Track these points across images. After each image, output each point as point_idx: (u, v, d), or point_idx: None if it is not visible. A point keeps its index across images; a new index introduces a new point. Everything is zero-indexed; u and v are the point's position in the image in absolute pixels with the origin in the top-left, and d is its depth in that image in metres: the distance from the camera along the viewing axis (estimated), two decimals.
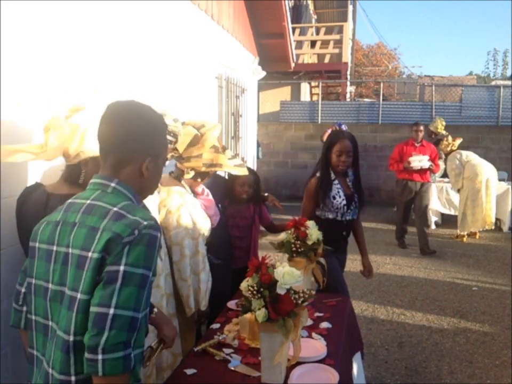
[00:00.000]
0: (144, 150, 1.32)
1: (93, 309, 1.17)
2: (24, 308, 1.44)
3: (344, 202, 3.04)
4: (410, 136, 6.69)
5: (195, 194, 2.70)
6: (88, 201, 1.30)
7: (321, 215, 3.09)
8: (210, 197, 2.82)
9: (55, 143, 1.75)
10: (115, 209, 1.25)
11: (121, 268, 1.18)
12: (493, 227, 7.16)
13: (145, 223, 1.23)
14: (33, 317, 1.37)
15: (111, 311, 1.15)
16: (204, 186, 2.83)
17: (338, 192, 3.05)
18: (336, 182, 3.08)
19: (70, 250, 1.27)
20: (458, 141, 7.02)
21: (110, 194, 1.30)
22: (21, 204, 1.83)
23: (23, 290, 1.46)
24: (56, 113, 1.80)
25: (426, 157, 6.36)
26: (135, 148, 1.31)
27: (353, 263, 5.81)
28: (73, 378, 1.24)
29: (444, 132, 7.45)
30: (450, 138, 7.04)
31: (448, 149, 7.02)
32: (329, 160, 3.05)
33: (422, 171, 6.37)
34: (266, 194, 3.56)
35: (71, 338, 1.22)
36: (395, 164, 6.55)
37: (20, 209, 1.83)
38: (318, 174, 3.11)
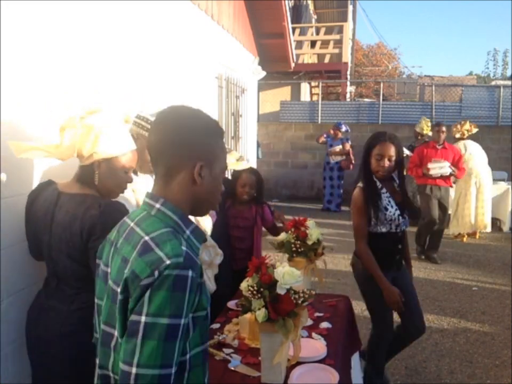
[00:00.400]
0: (193, 155, 1.18)
1: (120, 364, 1.05)
2: None
3: (398, 212, 2.69)
4: (432, 138, 6.14)
5: None
6: (132, 224, 1.19)
7: (371, 230, 2.71)
8: None
9: (67, 142, 1.75)
10: (146, 238, 1.11)
11: (142, 318, 1.02)
12: (488, 229, 7.08)
13: (168, 262, 1.04)
14: (97, 336, 1.29)
15: (134, 370, 1.01)
16: None
17: (389, 201, 2.70)
18: (384, 190, 2.72)
19: (110, 279, 1.17)
20: (474, 130, 6.60)
21: (153, 217, 1.17)
22: (32, 200, 1.84)
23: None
24: (72, 114, 1.80)
25: (447, 163, 5.72)
26: (183, 153, 1.17)
27: None
28: None
29: (430, 133, 7.32)
30: (467, 125, 6.57)
31: (457, 135, 6.64)
32: (369, 165, 2.71)
33: (446, 175, 5.77)
34: (273, 208, 3.51)
35: (111, 374, 1.14)
36: (414, 169, 5.93)
37: (30, 205, 1.84)
38: (360, 184, 2.74)
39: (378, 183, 2.71)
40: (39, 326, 1.78)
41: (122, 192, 1.90)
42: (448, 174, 5.74)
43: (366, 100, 18.24)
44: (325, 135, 9.19)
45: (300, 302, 1.75)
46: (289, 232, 2.66)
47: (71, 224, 1.69)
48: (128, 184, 2.11)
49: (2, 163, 1.78)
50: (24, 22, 1.94)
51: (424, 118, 7.51)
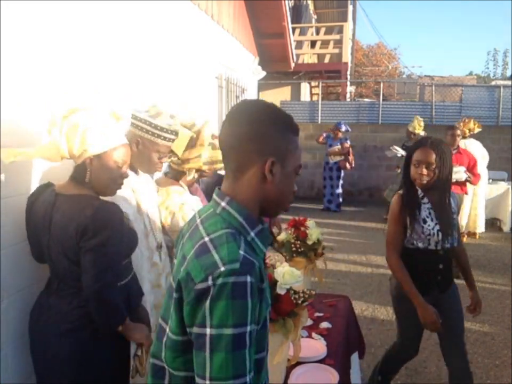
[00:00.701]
0: (264, 150, 1.12)
1: (195, 377, 1.04)
2: None
3: (438, 227, 2.42)
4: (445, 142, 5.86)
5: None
6: (198, 221, 1.17)
7: (406, 244, 2.47)
8: (202, 198, 2.83)
9: (55, 143, 1.75)
10: (206, 239, 1.08)
11: (207, 331, 1.00)
12: (481, 230, 7.05)
13: (222, 268, 1.00)
14: None
15: (207, 382, 1.00)
16: (198, 185, 2.84)
17: (429, 214, 2.44)
18: (425, 200, 2.46)
19: (170, 273, 1.20)
20: (477, 130, 6.29)
21: (217, 216, 1.14)
22: (31, 202, 1.85)
23: None
24: (54, 114, 1.80)
25: (463, 168, 5.32)
26: (254, 147, 1.12)
27: (353, 263, 5.82)
28: None
29: (422, 133, 7.26)
30: (471, 123, 6.25)
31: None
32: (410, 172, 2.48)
33: (461, 181, 5.35)
34: None
35: (166, 366, 1.15)
36: None
37: (30, 208, 1.85)
38: (401, 191, 2.52)
39: (420, 192, 2.46)
40: (39, 325, 1.79)
41: (119, 187, 1.89)
42: (463, 179, 5.33)
43: (366, 99, 18.26)
44: (324, 135, 9.19)
45: (299, 302, 1.75)
46: (289, 232, 2.66)
47: (67, 225, 1.70)
48: (129, 184, 2.11)
49: (2, 163, 1.78)
50: (24, 22, 1.94)
51: (417, 117, 7.50)
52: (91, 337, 1.74)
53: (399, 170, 7.86)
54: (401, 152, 7.49)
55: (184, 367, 1.10)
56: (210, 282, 1.00)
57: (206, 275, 1.01)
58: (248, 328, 1.01)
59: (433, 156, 2.37)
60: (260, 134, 1.12)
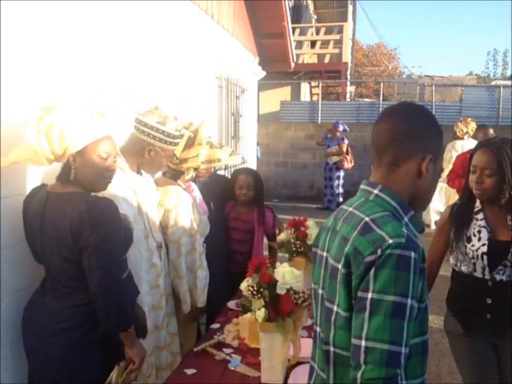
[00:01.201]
0: (425, 148, 1.20)
1: (352, 339, 1.09)
2: None
3: (484, 249, 1.94)
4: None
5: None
6: (350, 209, 1.23)
7: (452, 264, 2.13)
8: (196, 195, 2.82)
9: (35, 146, 1.71)
10: (367, 219, 1.15)
11: (369, 295, 1.06)
12: None
13: (390, 241, 1.07)
14: (312, 320, 1.36)
15: (363, 343, 1.05)
16: (194, 184, 2.84)
17: (479, 231, 1.97)
18: (480, 216, 2.00)
19: (330, 258, 1.24)
20: (472, 125, 6.08)
21: (371, 202, 1.20)
22: (27, 204, 1.85)
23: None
24: (28, 117, 1.77)
25: None
26: (417, 144, 1.20)
27: None
28: None
29: None
30: (473, 125, 6.04)
31: (457, 132, 6.15)
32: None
33: None
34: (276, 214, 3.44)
35: (331, 348, 1.19)
36: (456, 180, 4.80)
37: (25, 208, 1.85)
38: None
39: (477, 205, 2.03)
40: (33, 324, 1.79)
41: (108, 181, 1.86)
42: None
43: (366, 100, 18.25)
44: (323, 135, 9.19)
45: (299, 302, 1.75)
46: (289, 232, 2.66)
47: (60, 222, 1.69)
48: (130, 185, 2.11)
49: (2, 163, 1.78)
50: (24, 22, 1.94)
51: None
52: (84, 337, 1.74)
53: None
54: None
55: None
56: (379, 253, 1.07)
57: (374, 248, 1.08)
58: (409, 302, 1.06)
59: (491, 160, 1.92)
60: (423, 132, 1.21)
